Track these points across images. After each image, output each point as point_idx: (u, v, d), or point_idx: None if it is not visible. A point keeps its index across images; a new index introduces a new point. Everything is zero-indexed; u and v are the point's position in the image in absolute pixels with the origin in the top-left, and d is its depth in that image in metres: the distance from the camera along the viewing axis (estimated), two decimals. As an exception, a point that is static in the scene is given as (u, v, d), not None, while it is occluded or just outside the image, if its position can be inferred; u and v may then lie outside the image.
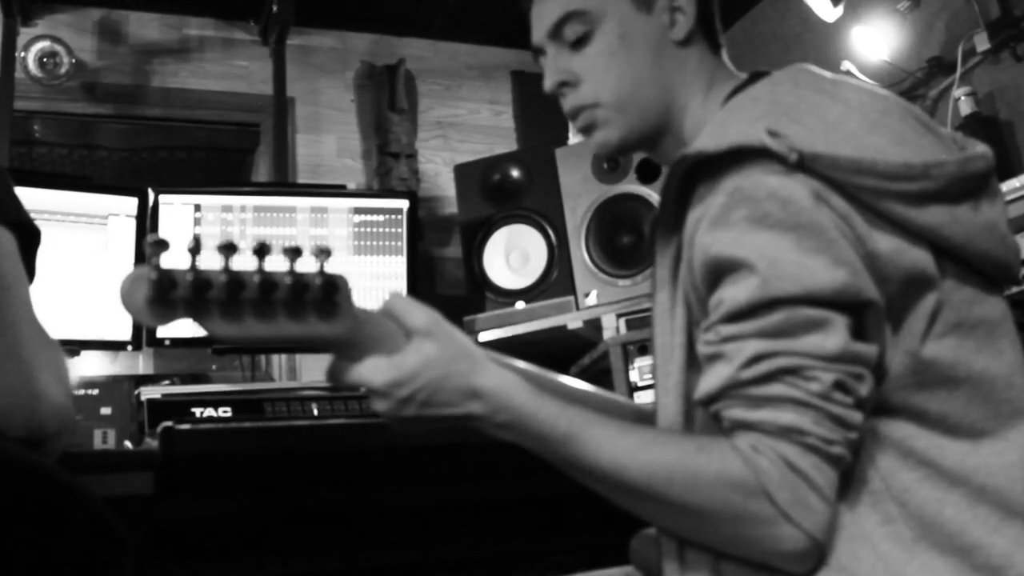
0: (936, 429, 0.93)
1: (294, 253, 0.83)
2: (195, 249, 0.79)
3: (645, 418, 1.15)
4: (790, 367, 0.88)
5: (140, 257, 2.36)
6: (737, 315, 0.91)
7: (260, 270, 0.82)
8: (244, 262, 0.82)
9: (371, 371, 0.94)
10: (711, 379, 0.93)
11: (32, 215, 1.12)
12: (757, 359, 0.90)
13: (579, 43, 1.15)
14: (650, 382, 2.27)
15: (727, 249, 0.92)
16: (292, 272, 0.84)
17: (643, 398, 2.24)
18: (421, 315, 0.97)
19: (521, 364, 1.11)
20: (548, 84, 1.18)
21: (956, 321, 0.95)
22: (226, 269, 0.81)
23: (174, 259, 0.79)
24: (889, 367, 0.93)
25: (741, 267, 0.91)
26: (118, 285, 0.79)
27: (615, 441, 0.93)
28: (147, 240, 0.78)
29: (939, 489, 0.91)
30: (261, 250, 0.81)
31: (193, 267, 0.79)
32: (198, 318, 0.81)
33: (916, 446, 0.93)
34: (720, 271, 0.93)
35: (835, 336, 0.89)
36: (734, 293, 0.91)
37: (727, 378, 0.91)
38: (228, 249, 0.80)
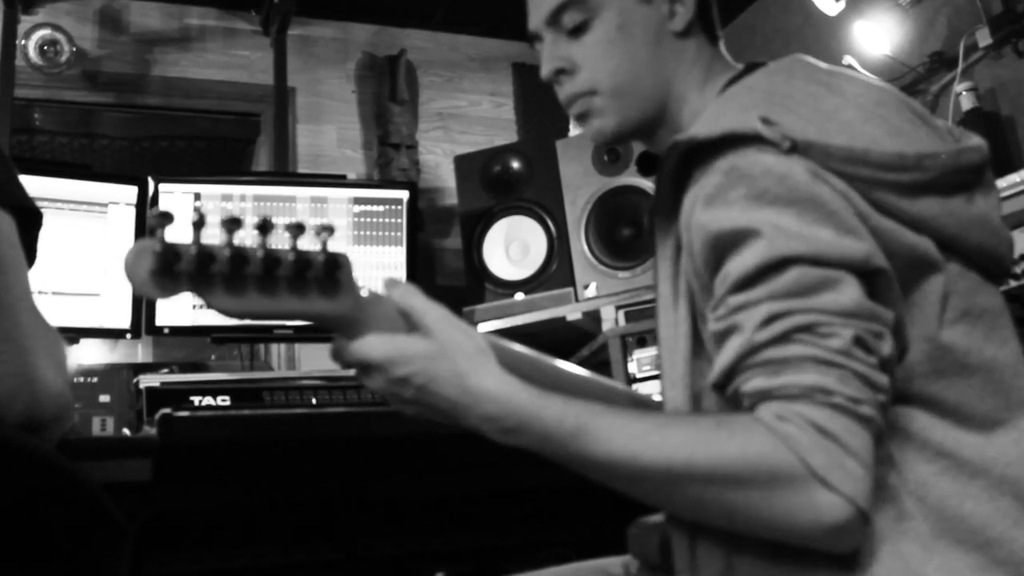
0: (952, 419, 0.91)
1: (297, 229, 0.84)
2: (199, 223, 0.79)
3: (644, 406, 1.15)
4: (806, 324, 0.85)
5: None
6: (746, 281, 0.88)
7: (263, 246, 0.82)
8: (247, 239, 0.82)
9: (370, 344, 0.92)
10: (726, 353, 0.89)
11: (32, 202, 1.12)
12: (771, 319, 0.86)
13: (577, 31, 1.14)
14: (649, 373, 2.27)
15: (728, 223, 0.90)
16: (295, 249, 0.84)
17: (642, 390, 2.24)
18: (428, 306, 0.96)
19: (521, 349, 1.10)
20: (545, 71, 1.17)
21: (964, 308, 0.94)
22: (230, 244, 0.81)
23: (178, 234, 0.79)
24: (908, 349, 0.90)
25: (746, 235, 0.88)
26: (123, 258, 0.79)
27: (627, 428, 0.88)
28: (151, 213, 0.78)
29: (958, 482, 0.89)
30: (264, 226, 0.82)
31: (197, 241, 0.79)
32: (201, 291, 0.81)
33: (933, 437, 0.90)
34: (723, 246, 0.91)
35: (848, 291, 0.85)
36: (741, 261, 0.88)
37: (741, 345, 0.87)
38: (232, 224, 0.80)
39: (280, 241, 0.84)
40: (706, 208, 0.92)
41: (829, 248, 0.86)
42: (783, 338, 0.85)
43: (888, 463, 0.89)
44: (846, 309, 0.85)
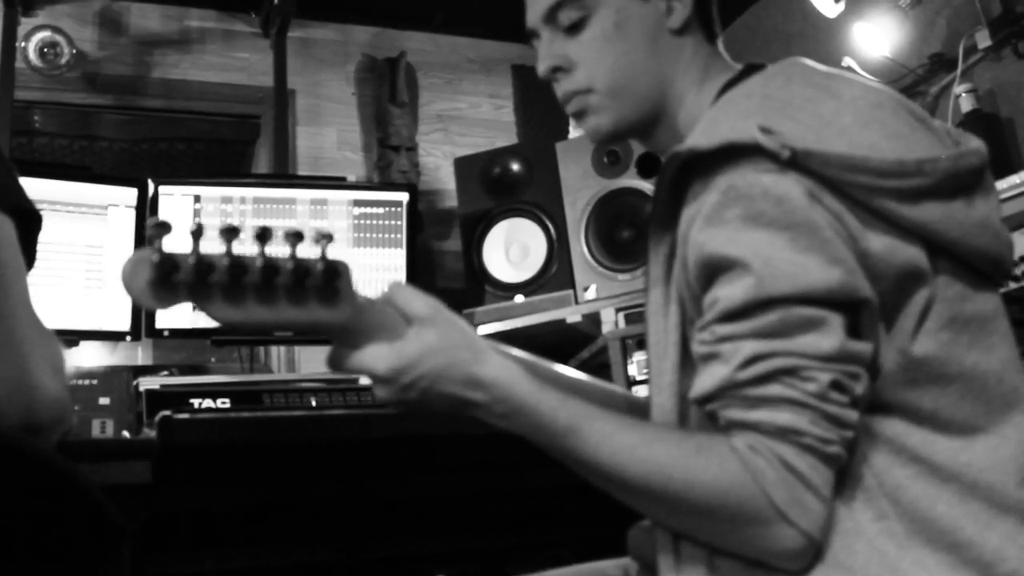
0: (928, 426, 0.93)
1: (296, 238, 0.83)
2: (197, 233, 0.79)
3: (639, 409, 1.15)
4: (787, 367, 0.88)
5: (140, 247, 2.36)
6: (732, 315, 0.91)
7: (262, 254, 0.82)
8: (245, 248, 0.82)
9: (373, 358, 0.94)
10: (707, 379, 0.93)
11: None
12: (754, 360, 0.89)
13: (574, 28, 1.14)
14: (647, 377, 2.27)
15: (721, 248, 0.92)
16: (294, 257, 0.83)
17: (641, 392, 2.24)
18: (422, 303, 0.97)
19: (519, 353, 1.10)
20: (541, 69, 1.17)
21: (950, 316, 0.95)
22: (228, 253, 0.80)
23: (176, 243, 0.79)
24: (882, 365, 0.93)
25: (736, 266, 0.90)
26: (120, 268, 0.79)
27: (615, 437, 0.93)
28: (149, 222, 0.78)
29: (931, 486, 0.91)
30: (263, 235, 0.81)
31: (195, 250, 0.79)
32: (199, 302, 0.81)
33: (908, 443, 0.93)
34: (714, 270, 0.93)
35: (831, 336, 0.88)
36: (729, 292, 0.91)
37: (724, 379, 0.91)
38: (230, 233, 0.80)
39: (279, 249, 0.83)
40: (703, 227, 0.93)
41: (816, 285, 0.88)
42: (764, 378, 0.89)
43: (866, 465, 0.92)
44: (826, 354, 0.88)
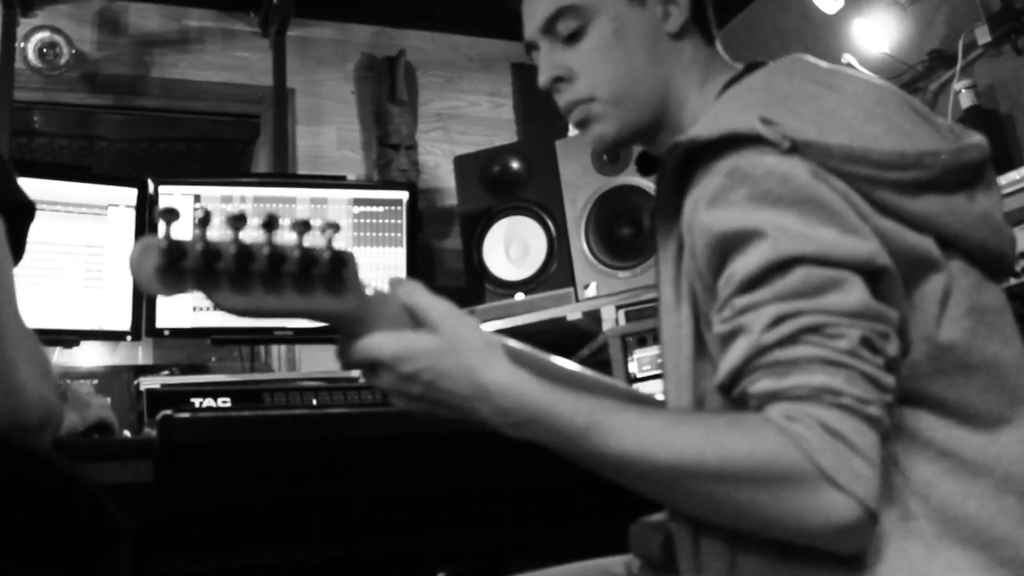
0: (954, 418, 0.91)
1: (303, 227, 0.83)
2: (204, 221, 0.79)
3: (647, 405, 1.14)
4: (813, 325, 0.84)
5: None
6: (751, 282, 0.88)
7: (269, 243, 0.82)
8: (252, 236, 0.82)
9: (379, 342, 0.91)
10: (731, 356, 0.89)
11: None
12: (778, 321, 0.85)
13: (572, 38, 1.14)
14: (649, 373, 2.27)
15: (732, 224, 0.89)
16: (301, 246, 0.83)
17: (642, 389, 2.24)
18: (436, 304, 0.94)
19: (525, 347, 1.09)
20: (542, 80, 1.17)
21: (969, 305, 0.93)
22: (236, 240, 0.80)
23: (184, 232, 0.79)
24: (910, 349, 0.90)
25: (750, 236, 0.88)
26: (127, 257, 0.78)
27: (638, 425, 0.87)
28: (157, 210, 0.78)
29: (962, 481, 0.89)
30: (270, 223, 0.81)
31: (203, 237, 0.79)
32: (206, 289, 0.80)
33: (936, 437, 0.90)
34: (727, 247, 0.90)
35: (854, 292, 0.85)
36: (744, 262, 0.88)
37: (749, 347, 0.87)
38: (237, 221, 0.80)
39: (284, 238, 0.83)
40: (709, 209, 0.92)
41: (834, 248, 0.86)
42: (791, 339, 0.85)
43: (892, 463, 0.89)
44: (853, 310, 0.85)
